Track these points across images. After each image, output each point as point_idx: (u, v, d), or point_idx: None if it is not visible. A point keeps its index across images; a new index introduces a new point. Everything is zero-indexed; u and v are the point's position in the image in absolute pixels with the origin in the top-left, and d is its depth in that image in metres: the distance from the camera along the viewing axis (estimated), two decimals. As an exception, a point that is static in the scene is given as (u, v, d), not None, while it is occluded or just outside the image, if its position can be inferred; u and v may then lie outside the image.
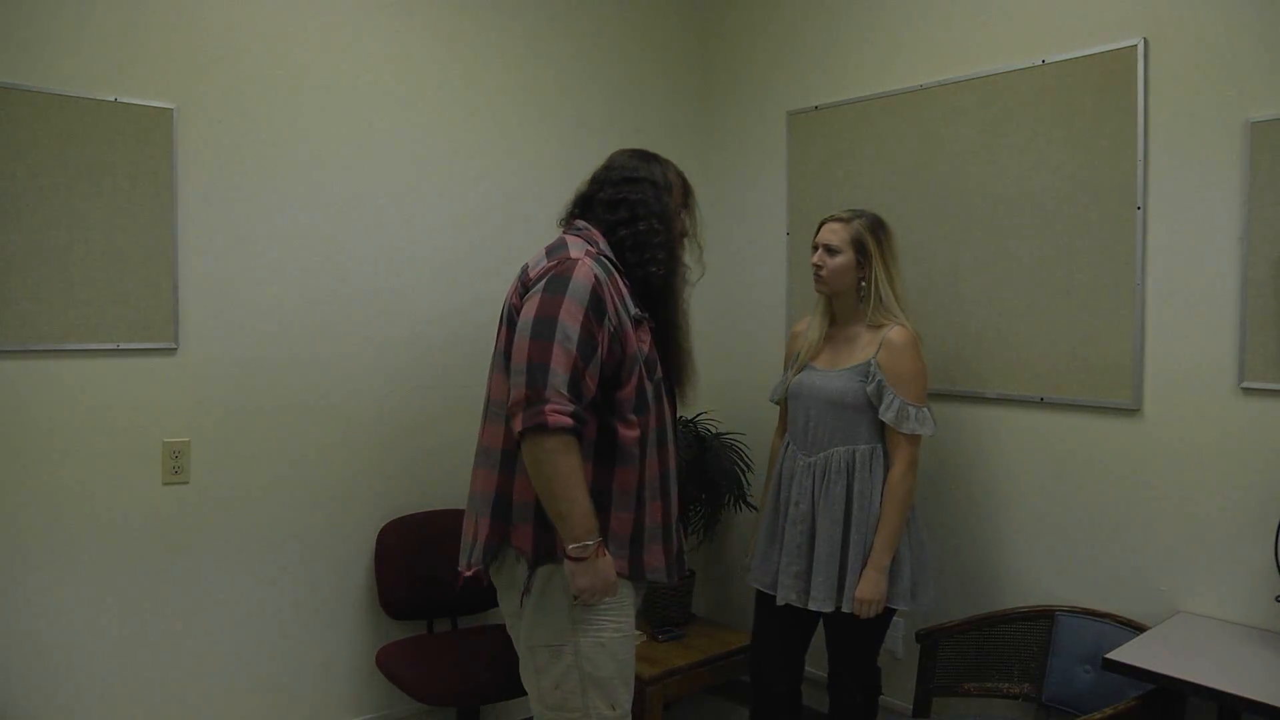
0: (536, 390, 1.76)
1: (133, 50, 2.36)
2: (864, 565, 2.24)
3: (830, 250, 2.34)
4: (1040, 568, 2.54)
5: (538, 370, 1.77)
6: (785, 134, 3.16)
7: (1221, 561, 2.22)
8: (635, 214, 1.97)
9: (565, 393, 1.76)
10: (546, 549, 1.87)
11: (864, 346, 2.33)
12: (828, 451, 2.32)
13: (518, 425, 1.78)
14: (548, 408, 1.75)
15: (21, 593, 2.28)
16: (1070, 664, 2.35)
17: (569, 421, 1.76)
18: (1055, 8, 2.46)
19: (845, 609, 2.26)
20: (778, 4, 3.19)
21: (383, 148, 2.76)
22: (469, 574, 1.97)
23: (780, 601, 2.35)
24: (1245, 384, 2.17)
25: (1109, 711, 1.94)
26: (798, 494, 2.35)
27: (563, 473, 1.77)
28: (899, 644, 2.84)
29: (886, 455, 2.30)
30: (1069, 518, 2.48)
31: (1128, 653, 2.03)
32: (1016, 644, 2.46)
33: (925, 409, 2.29)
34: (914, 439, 2.28)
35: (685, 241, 2.08)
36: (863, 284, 2.34)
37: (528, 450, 1.78)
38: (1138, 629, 2.25)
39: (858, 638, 2.35)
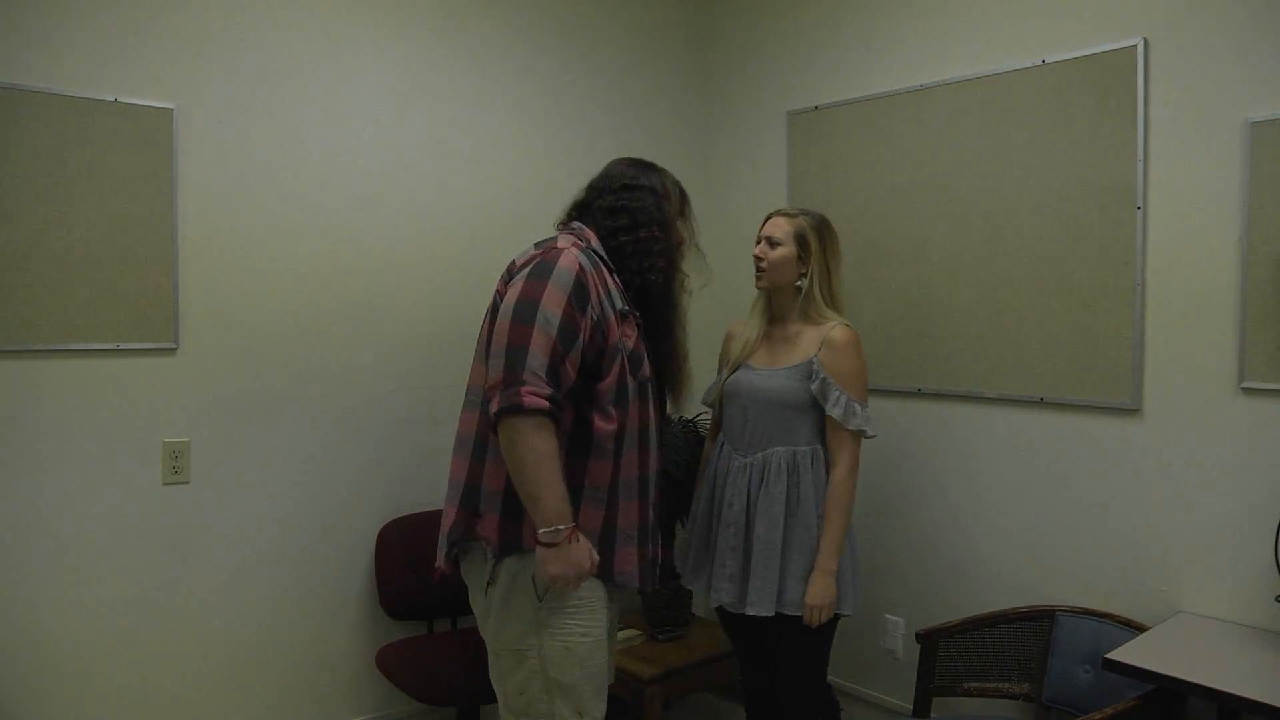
0: (514, 373, 1.74)
1: (133, 50, 2.36)
2: (807, 570, 2.19)
3: (773, 243, 2.31)
4: (1040, 568, 2.54)
5: (516, 353, 1.75)
6: (785, 134, 3.16)
7: (1221, 561, 2.22)
8: (635, 221, 1.97)
9: (543, 376, 1.75)
10: (512, 539, 1.84)
11: (805, 345, 2.29)
12: (766, 451, 2.26)
13: (494, 407, 1.75)
14: (524, 389, 1.73)
15: (22, 592, 2.28)
16: (1070, 664, 2.35)
17: (544, 404, 1.73)
18: (1055, 8, 2.46)
19: (787, 612, 2.19)
20: (778, 4, 3.19)
21: (383, 148, 2.76)
22: (443, 564, 1.94)
23: (713, 604, 2.31)
24: (1245, 384, 2.17)
25: (1109, 711, 1.94)
26: (731, 494, 2.29)
27: (537, 454, 1.74)
28: (899, 644, 2.84)
29: (828, 456, 2.26)
30: (1069, 518, 2.48)
31: (1128, 653, 2.03)
32: (1016, 644, 2.46)
33: (867, 408, 2.27)
34: (857, 438, 2.25)
35: (683, 249, 2.08)
36: (802, 278, 2.31)
37: (503, 432, 1.76)
38: (1138, 629, 2.25)
39: (804, 647, 2.26)
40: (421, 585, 2.71)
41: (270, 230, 2.58)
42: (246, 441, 2.57)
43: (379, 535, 2.76)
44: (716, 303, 3.39)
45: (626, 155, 2.14)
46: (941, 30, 2.72)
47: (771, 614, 2.20)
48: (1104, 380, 2.39)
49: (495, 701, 2.46)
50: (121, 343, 2.37)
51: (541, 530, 1.76)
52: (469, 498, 1.89)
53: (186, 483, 2.48)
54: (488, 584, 1.87)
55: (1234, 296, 2.18)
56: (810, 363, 2.25)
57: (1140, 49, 2.29)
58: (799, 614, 2.19)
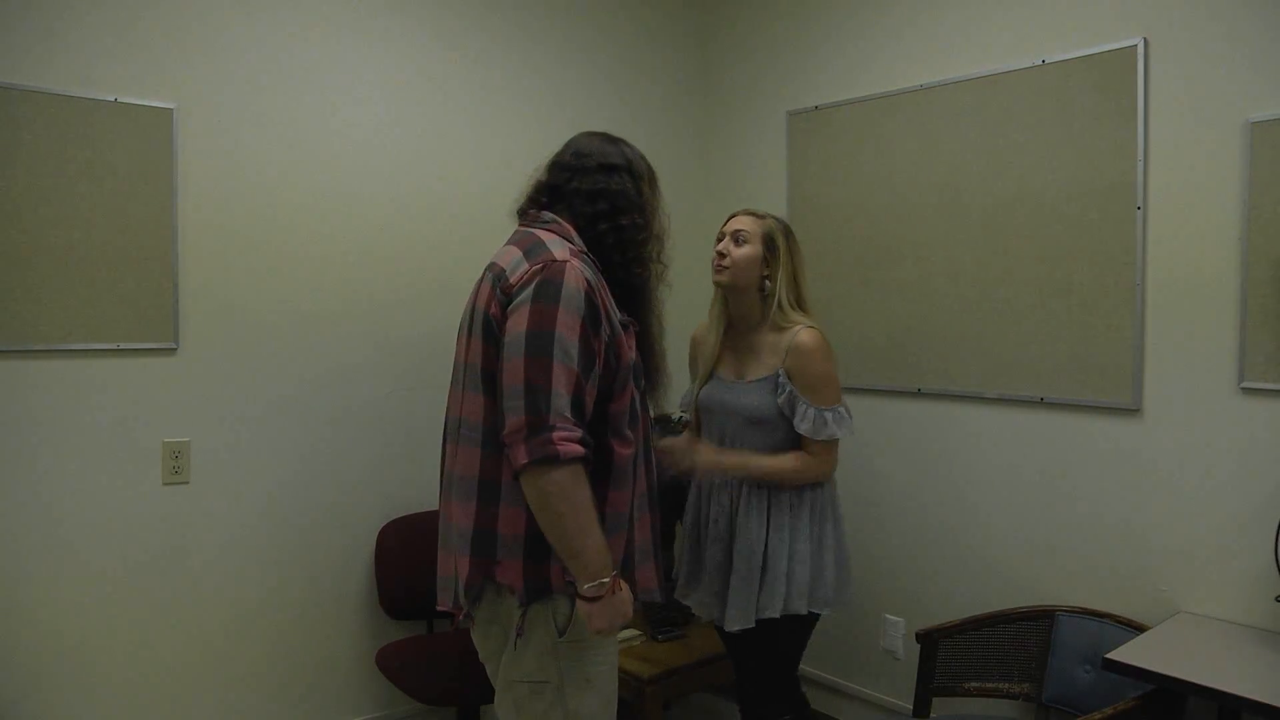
0: (540, 416, 1.57)
1: (133, 50, 2.36)
2: (784, 584, 2.16)
3: (739, 239, 2.26)
4: (1040, 568, 2.54)
5: (538, 393, 1.57)
6: (785, 134, 3.16)
7: (1221, 561, 2.22)
8: (616, 207, 1.77)
9: (570, 416, 1.59)
10: (540, 584, 1.67)
11: (769, 354, 2.23)
12: None
13: (521, 457, 1.57)
14: (556, 436, 1.56)
15: (21, 593, 2.28)
16: (1070, 664, 2.35)
17: (580, 450, 1.58)
18: (1055, 8, 2.46)
19: (762, 617, 2.17)
20: (778, 4, 3.19)
21: (383, 147, 2.76)
22: (461, 617, 1.78)
23: (705, 619, 2.33)
24: (1245, 384, 2.17)
25: (1109, 711, 1.94)
26: (716, 512, 2.27)
27: (576, 507, 1.58)
28: (899, 644, 2.84)
29: None
30: (1069, 518, 2.48)
31: (1128, 653, 2.03)
32: (1016, 644, 2.46)
33: (840, 408, 2.21)
34: (831, 444, 2.22)
35: (663, 237, 1.88)
36: (766, 282, 2.25)
37: (533, 484, 1.58)
38: (1138, 629, 2.25)
39: (775, 652, 2.25)
40: (421, 585, 2.71)
41: (270, 230, 2.58)
42: (246, 441, 2.57)
43: (379, 535, 2.76)
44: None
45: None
46: (942, 30, 2.72)
47: (752, 624, 2.19)
48: (1104, 380, 2.39)
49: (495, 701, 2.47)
50: (121, 343, 2.37)
51: (586, 585, 1.62)
52: (482, 545, 1.69)
53: (186, 483, 2.48)
54: (517, 636, 1.71)
55: (1234, 296, 2.18)
56: (775, 375, 2.21)
57: (1140, 49, 2.29)
58: (774, 616, 2.17)
